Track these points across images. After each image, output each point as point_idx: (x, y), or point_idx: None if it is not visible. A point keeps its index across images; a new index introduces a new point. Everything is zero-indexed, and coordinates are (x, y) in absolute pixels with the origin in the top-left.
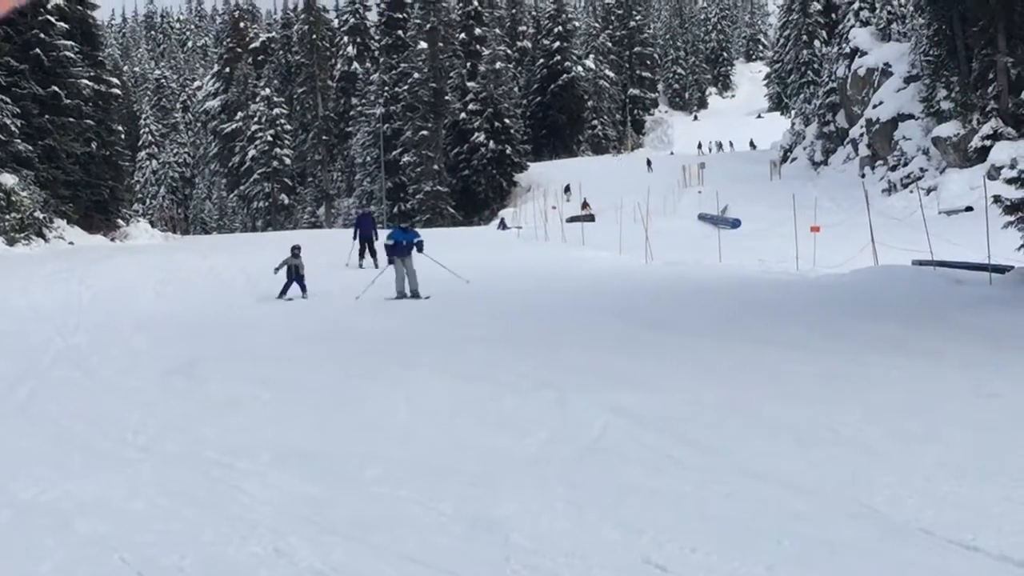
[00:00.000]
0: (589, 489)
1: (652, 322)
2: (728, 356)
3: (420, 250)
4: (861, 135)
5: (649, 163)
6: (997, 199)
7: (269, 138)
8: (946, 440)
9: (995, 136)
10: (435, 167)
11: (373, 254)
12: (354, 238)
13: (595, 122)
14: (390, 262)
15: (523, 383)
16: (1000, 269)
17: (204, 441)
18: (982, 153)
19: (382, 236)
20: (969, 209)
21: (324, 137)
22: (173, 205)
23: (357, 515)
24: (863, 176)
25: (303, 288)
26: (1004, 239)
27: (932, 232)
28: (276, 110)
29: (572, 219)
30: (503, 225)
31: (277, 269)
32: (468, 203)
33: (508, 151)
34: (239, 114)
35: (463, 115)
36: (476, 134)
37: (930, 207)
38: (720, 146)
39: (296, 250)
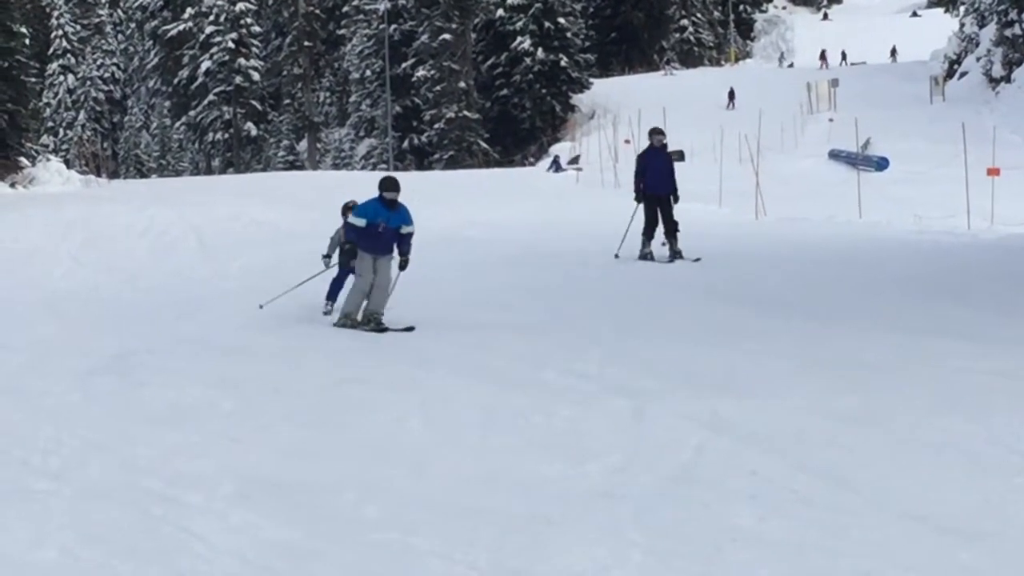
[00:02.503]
0: (678, 535)
1: (762, 303)
2: (869, 350)
3: (405, 257)
4: None
5: (732, 96)
6: None
7: (230, 44)
8: None
9: None
10: (462, 85)
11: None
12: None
13: (684, 22)
14: (344, 265)
15: (582, 388)
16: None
17: (140, 466)
18: None
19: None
20: None
21: (306, 43)
22: (97, 137)
23: (354, 572)
24: None
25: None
26: None
27: None
28: (240, 5)
29: None
30: (557, 166)
31: (329, 256)
32: (507, 135)
33: (564, 63)
34: (188, 10)
35: (500, 12)
36: (519, 39)
37: None
38: (844, 58)
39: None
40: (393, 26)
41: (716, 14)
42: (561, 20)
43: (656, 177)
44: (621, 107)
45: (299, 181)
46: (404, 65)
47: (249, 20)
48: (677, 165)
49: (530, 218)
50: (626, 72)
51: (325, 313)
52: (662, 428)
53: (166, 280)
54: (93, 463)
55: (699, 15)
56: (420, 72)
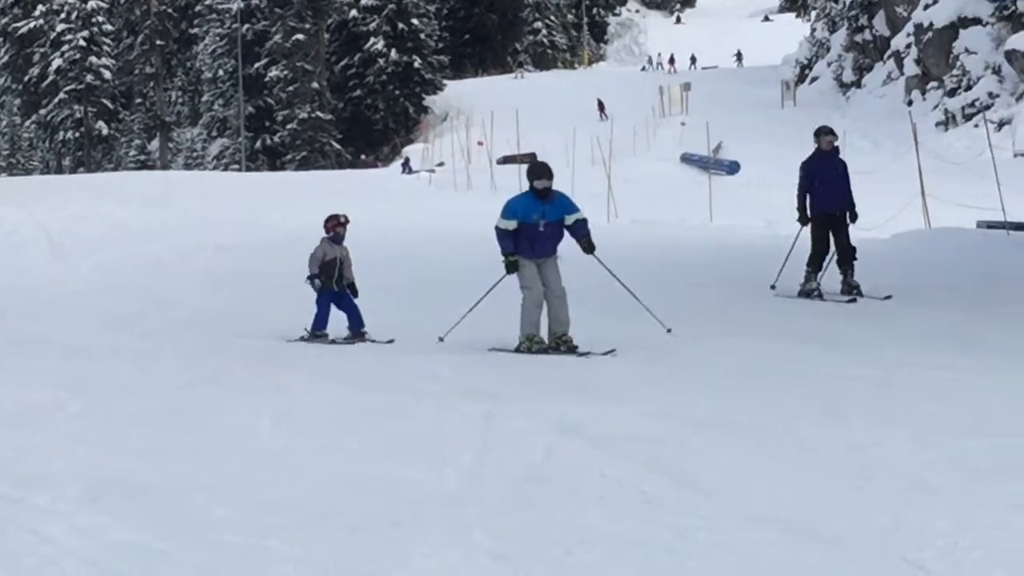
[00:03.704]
0: (527, 538)
1: (612, 307)
2: (724, 354)
3: (585, 239)
4: (908, 47)
5: (602, 106)
6: None
7: (82, 42)
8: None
9: None
10: (315, 85)
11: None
12: None
13: (538, 25)
14: (511, 268)
15: (435, 391)
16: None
17: None
18: None
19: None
20: None
21: (159, 42)
22: None
23: (202, 573)
24: (910, 104)
25: (354, 316)
26: None
27: (1005, 182)
28: (92, 3)
29: (505, 160)
30: (408, 168)
31: (314, 277)
32: (360, 136)
33: (417, 64)
34: (39, 7)
35: (354, 13)
36: (372, 40)
37: (1002, 147)
38: (694, 62)
39: (336, 227)
40: (246, 26)
41: (570, 17)
42: (415, 21)
43: (827, 191)
44: (474, 109)
45: (151, 181)
46: (257, 65)
47: (101, 18)
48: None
49: (384, 220)
50: (480, 74)
51: (300, 339)
52: (513, 431)
53: (15, 280)
54: None
55: (553, 18)
56: (273, 72)
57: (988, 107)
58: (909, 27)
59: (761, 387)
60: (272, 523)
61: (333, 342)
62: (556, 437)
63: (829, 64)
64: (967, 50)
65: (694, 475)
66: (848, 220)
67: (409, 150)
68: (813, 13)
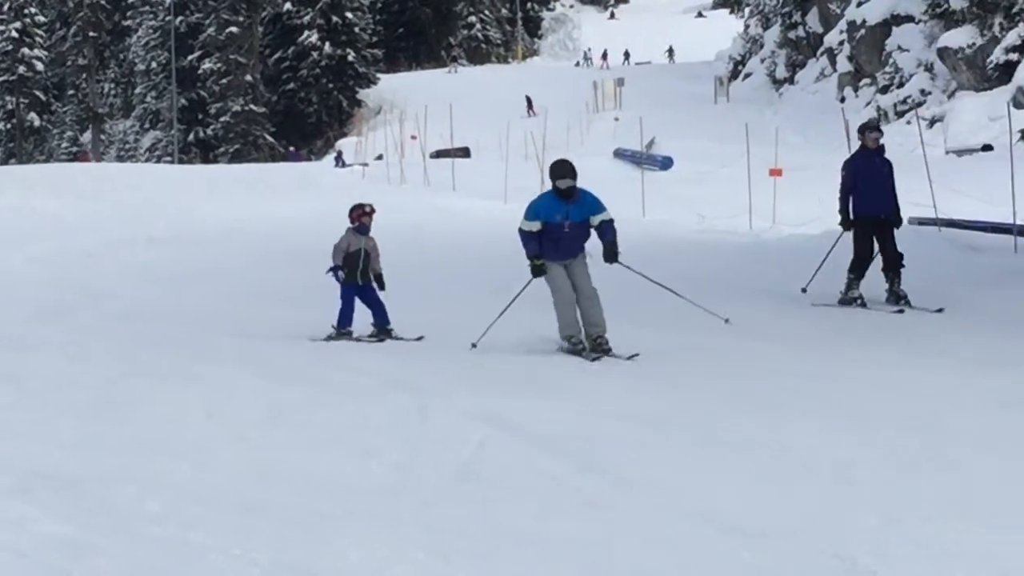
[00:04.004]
0: (458, 533)
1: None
2: (663, 350)
3: (609, 246)
4: (840, 44)
5: (530, 103)
6: None
7: (14, 34)
8: (955, 468)
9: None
10: (248, 78)
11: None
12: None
13: (472, 19)
14: (538, 272)
15: (365, 383)
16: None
17: None
18: (1006, 71)
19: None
20: (987, 148)
21: (91, 34)
22: None
23: (132, 566)
24: (842, 101)
25: (380, 312)
26: None
27: (936, 179)
28: None
29: (439, 154)
30: (341, 161)
31: (337, 268)
32: (293, 129)
33: (351, 58)
34: None
35: (288, 5)
36: (306, 33)
37: (934, 144)
38: (628, 57)
39: (361, 216)
40: (179, 18)
41: (504, 11)
42: (349, 15)
43: (872, 192)
44: (408, 103)
45: (83, 172)
46: (190, 57)
47: (33, 9)
48: (464, 163)
49: (316, 213)
50: (414, 68)
51: (327, 338)
52: (445, 425)
53: None
54: None
55: (487, 12)
56: (206, 65)
57: (920, 104)
58: (842, 24)
59: (703, 384)
60: (200, 515)
61: (358, 340)
62: (489, 432)
63: (762, 60)
64: (900, 47)
65: (627, 472)
66: (893, 224)
67: (342, 143)
68: (747, 9)
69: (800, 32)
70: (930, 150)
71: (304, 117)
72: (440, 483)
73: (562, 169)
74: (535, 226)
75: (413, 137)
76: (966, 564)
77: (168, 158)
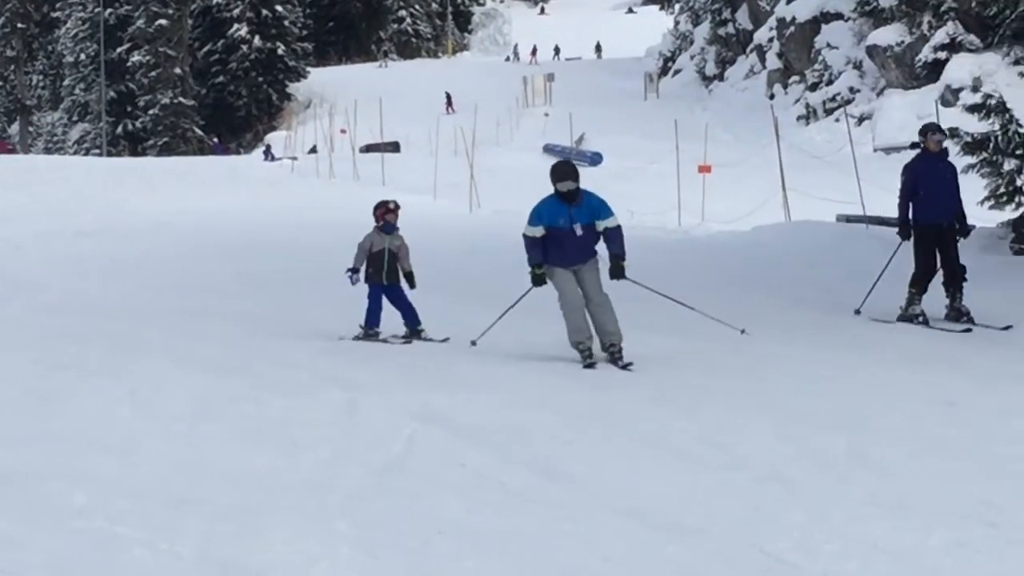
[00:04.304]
0: (386, 527)
1: (473, 295)
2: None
3: (616, 260)
4: (770, 41)
5: (449, 100)
6: (953, 133)
7: None
8: (881, 465)
9: (952, 46)
10: (177, 71)
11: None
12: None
13: (403, 13)
14: (538, 281)
15: (295, 378)
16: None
17: None
18: (934, 69)
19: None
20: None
21: (19, 25)
22: None
23: (58, 560)
24: (772, 98)
25: (409, 313)
26: (961, 188)
27: (865, 176)
28: None
29: (368, 148)
30: (270, 155)
31: (353, 271)
32: (223, 122)
33: (281, 51)
34: None
35: None
36: (236, 26)
37: (863, 142)
38: (558, 53)
39: (385, 215)
40: (108, 10)
41: (434, 6)
42: (279, 8)
43: (935, 199)
44: (338, 97)
45: (9, 164)
46: (119, 50)
47: None
48: (394, 158)
49: (245, 206)
50: (344, 62)
51: (355, 338)
52: (374, 420)
53: None
54: None
55: (417, 7)
56: (135, 57)
57: (849, 102)
58: (772, 21)
59: (628, 381)
60: (128, 509)
61: (385, 341)
62: (418, 426)
63: (692, 57)
64: (829, 45)
65: (556, 466)
66: (957, 233)
67: (272, 137)
68: (677, 6)
69: (730, 29)
70: (858, 148)
71: (233, 110)
72: (368, 477)
73: (563, 172)
74: (538, 231)
75: (342, 131)
76: (890, 558)
77: (96, 151)
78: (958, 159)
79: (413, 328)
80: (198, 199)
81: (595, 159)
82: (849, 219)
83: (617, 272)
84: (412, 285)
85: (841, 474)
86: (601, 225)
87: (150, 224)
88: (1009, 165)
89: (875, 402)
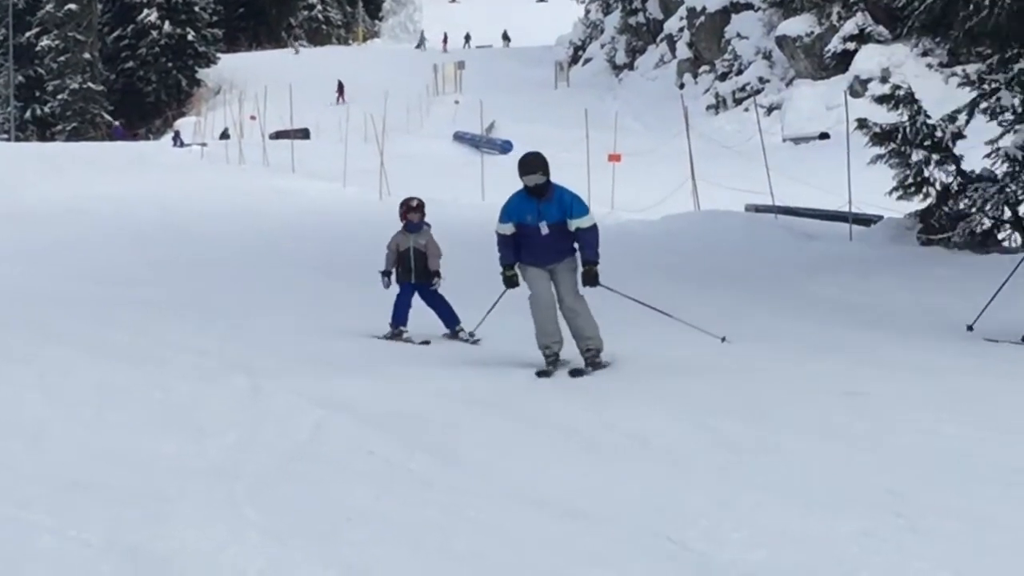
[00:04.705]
0: (294, 514)
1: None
2: (493, 336)
3: (588, 265)
4: (680, 30)
5: (341, 89)
6: (862, 124)
7: None
8: (787, 454)
9: (861, 37)
10: (87, 56)
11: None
12: None
13: (312, 0)
14: (509, 283)
15: (202, 364)
16: (864, 220)
17: None
18: (843, 60)
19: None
20: (824, 136)
21: None
22: None
23: None
24: (682, 87)
25: (446, 312)
26: (870, 178)
27: (774, 166)
28: None
29: (278, 135)
30: (179, 141)
31: (385, 274)
32: (132, 108)
33: (191, 37)
34: None
35: None
36: (146, 11)
37: (772, 132)
38: (468, 40)
39: (408, 213)
40: None
41: None
42: None
43: None
44: (248, 83)
45: None
46: (28, 34)
47: None
48: (304, 144)
49: (155, 193)
50: (254, 48)
51: (384, 336)
52: (280, 406)
53: None
54: None
55: None
56: (44, 41)
57: (758, 92)
58: (682, 11)
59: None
60: (34, 495)
61: (409, 341)
62: (324, 413)
63: (602, 46)
64: (739, 35)
65: (460, 453)
66: None
67: (181, 123)
68: None
69: (640, 18)
70: (767, 138)
71: (143, 96)
72: (276, 464)
73: (529, 165)
74: (507, 229)
75: (252, 117)
76: (798, 546)
77: (4, 135)
78: (866, 150)
79: (452, 329)
80: (107, 185)
81: (505, 147)
82: (758, 208)
83: (590, 279)
84: (432, 286)
85: (746, 462)
86: (574, 224)
87: (57, 210)
88: (917, 156)
89: (781, 392)
